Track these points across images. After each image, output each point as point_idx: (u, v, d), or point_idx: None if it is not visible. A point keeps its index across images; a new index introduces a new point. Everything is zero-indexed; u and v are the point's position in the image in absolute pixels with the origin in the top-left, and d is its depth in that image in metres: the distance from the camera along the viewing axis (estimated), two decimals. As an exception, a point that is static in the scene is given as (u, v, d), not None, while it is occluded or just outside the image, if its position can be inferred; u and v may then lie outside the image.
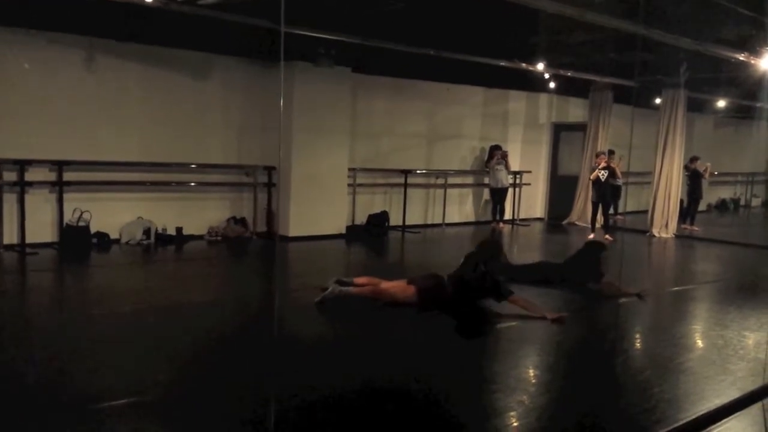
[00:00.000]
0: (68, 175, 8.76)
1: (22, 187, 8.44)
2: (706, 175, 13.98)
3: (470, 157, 13.44)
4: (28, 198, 8.50)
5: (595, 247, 8.09)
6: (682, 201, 13.27)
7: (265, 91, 10.16)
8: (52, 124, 8.65)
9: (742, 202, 20.20)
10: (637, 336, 6.13)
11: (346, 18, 8.35)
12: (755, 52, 9.02)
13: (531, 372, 4.88)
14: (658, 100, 12.86)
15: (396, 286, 6.14)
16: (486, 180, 13.24)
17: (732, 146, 18.38)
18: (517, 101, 14.09)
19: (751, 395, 4.33)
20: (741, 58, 9.18)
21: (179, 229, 9.73)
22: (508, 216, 13.45)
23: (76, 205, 8.82)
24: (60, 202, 8.75)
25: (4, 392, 3.94)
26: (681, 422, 3.85)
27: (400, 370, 4.59)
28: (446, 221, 12.78)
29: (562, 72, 11.76)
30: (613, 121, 13.68)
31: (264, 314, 6.00)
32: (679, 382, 4.60)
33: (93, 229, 8.98)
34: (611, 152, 12.94)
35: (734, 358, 5.16)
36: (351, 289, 6.18)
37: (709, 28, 8.34)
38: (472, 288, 6.08)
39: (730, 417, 4.03)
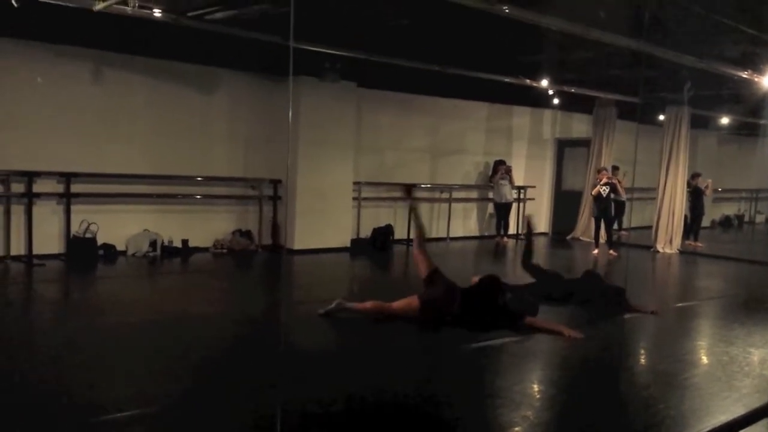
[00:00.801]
0: (75, 187, 8.82)
1: (29, 198, 8.50)
2: (708, 192, 13.99)
3: (474, 171, 13.48)
4: (35, 209, 8.56)
5: (592, 277, 8.04)
6: (686, 217, 13.27)
7: (270, 105, 10.24)
8: (60, 137, 8.72)
9: (746, 219, 20.19)
10: (642, 352, 6.13)
11: (352, 34, 8.43)
12: (758, 69, 9.07)
13: (535, 387, 4.88)
14: (661, 117, 12.91)
15: (402, 303, 6.12)
16: (490, 194, 13.27)
17: (736, 163, 18.39)
18: (521, 117, 14.14)
19: (756, 412, 4.32)
20: (744, 76, 9.23)
21: (185, 242, 9.77)
22: (512, 230, 13.46)
23: (83, 216, 8.87)
24: (67, 213, 8.80)
25: (9, 403, 3.96)
26: (686, 438, 3.86)
27: (404, 384, 4.60)
28: (451, 235, 12.80)
29: (566, 88, 11.82)
30: (617, 137, 13.71)
31: (269, 326, 6.02)
32: (684, 399, 4.59)
33: (100, 241, 9.03)
34: (615, 168, 12.98)
35: (739, 374, 5.15)
36: (355, 305, 6.21)
37: (713, 46, 8.38)
38: (481, 313, 6.05)
39: (735, 433, 4.04)
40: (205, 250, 10.04)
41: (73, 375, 4.51)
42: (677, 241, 12.70)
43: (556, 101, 13.19)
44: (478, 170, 13.49)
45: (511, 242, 13.13)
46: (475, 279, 6.55)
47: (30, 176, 8.47)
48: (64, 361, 4.84)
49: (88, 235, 8.87)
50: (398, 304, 6.11)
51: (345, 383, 4.53)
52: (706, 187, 13.85)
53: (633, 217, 14.14)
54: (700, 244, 13.57)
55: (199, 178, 9.95)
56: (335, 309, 6.11)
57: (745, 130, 17.06)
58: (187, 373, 4.66)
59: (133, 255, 9.28)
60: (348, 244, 10.92)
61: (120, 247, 9.28)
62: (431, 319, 5.98)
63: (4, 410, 3.85)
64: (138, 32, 8.03)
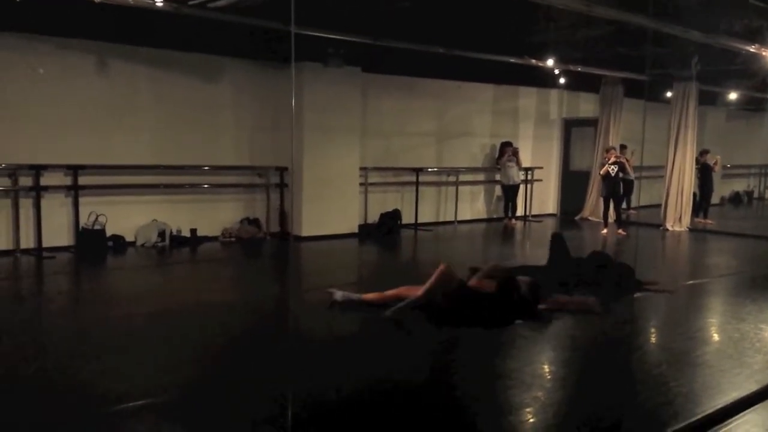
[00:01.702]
0: (83, 179, 8.84)
1: (37, 191, 8.53)
2: (717, 168, 13.90)
3: (481, 154, 13.43)
4: (43, 202, 8.59)
5: (600, 257, 7.97)
6: (695, 194, 13.20)
7: (275, 92, 10.20)
8: (67, 129, 8.73)
9: (756, 195, 20.07)
10: (653, 330, 6.12)
11: (355, 18, 8.38)
12: (766, 43, 8.97)
13: (546, 368, 4.88)
14: (669, 94, 12.81)
15: (408, 289, 5.98)
16: (497, 177, 13.23)
17: (745, 139, 18.24)
18: (527, 98, 14.06)
19: (768, 388, 4.32)
20: (752, 50, 9.13)
21: (193, 231, 9.79)
22: (520, 212, 13.43)
23: (91, 208, 8.90)
24: (75, 206, 8.83)
25: (21, 394, 4.01)
26: (699, 416, 3.85)
27: (415, 368, 4.61)
28: (458, 218, 12.78)
29: (572, 67, 11.73)
30: (624, 115, 13.63)
31: (279, 314, 6.05)
32: (696, 376, 4.59)
33: (108, 232, 9.06)
34: (623, 147, 12.90)
35: (751, 351, 5.14)
36: (361, 296, 6.10)
37: (720, 20, 8.29)
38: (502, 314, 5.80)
39: (748, 410, 4.02)
40: (214, 239, 10.06)
41: (85, 365, 4.53)
42: (687, 219, 12.64)
43: (562, 81, 13.10)
44: (485, 152, 13.43)
45: (519, 224, 13.10)
46: (483, 283, 6.02)
47: (37, 169, 8.49)
48: (75, 352, 4.87)
49: (96, 227, 8.91)
50: (403, 289, 6.01)
51: (355, 369, 4.55)
52: (715, 163, 13.76)
53: (642, 196, 14.08)
54: (709, 222, 13.50)
55: (206, 168, 9.95)
56: (339, 299, 6.05)
57: (754, 105, 16.91)
58: (198, 362, 4.69)
59: (143, 245, 9.31)
60: (356, 230, 10.92)
61: (129, 238, 9.31)
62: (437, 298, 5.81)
63: (17, 401, 3.88)
64: (141, 22, 8.02)
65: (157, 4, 7.19)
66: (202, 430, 3.62)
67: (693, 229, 12.64)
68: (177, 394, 4.04)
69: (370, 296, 6.08)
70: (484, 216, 13.57)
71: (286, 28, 7.37)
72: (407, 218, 11.86)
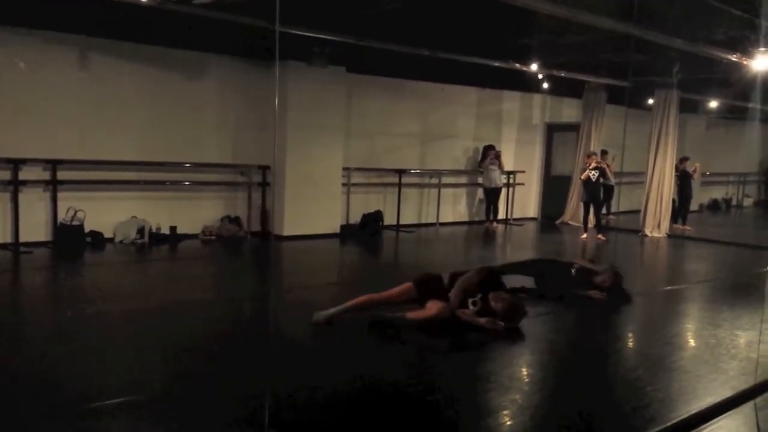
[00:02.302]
0: (62, 174, 8.75)
1: (15, 186, 8.43)
2: (696, 176, 14.05)
3: (464, 157, 13.47)
4: (21, 197, 8.49)
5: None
6: (674, 201, 13.34)
7: (259, 90, 10.16)
8: (46, 123, 8.64)
9: (734, 202, 20.32)
10: (630, 335, 6.17)
11: (341, 18, 8.36)
12: (747, 52, 9.08)
13: (524, 371, 4.90)
14: (650, 101, 12.93)
15: (395, 290, 5.79)
16: (480, 180, 13.27)
17: (724, 147, 18.45)
18: (510, 101, 14.13)
19: (743, 394, 4.36)
20: (733, 59, 9.24)
21: (173, 228, 9.72)
22: (501, 216, 13.49)
23: (70, 204, 8.81)
24: (54, 201, 8.74)
25: (-2, 391, 3.95)
26: (674, 421, 3.88)
27: (394, 369, 4.60)
28: (440, 221, 12.81)
29: (555, 72, 11.80)
30: (606, 121, 13.74)
31: (258, 313, 6.01)
32: (672, 381, 4.63)
33: (87, 228, 8.97)
34: (604, 152, 12.99)
35: (726, 357, 5.20)
36: (347, 304, 5.63)
37: (702, 29, 8.38)
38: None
39: (722, 415, 4.06)
40: (194, 236, 10.00)
41: (61, 363, 4.49)
42: (665, 225, 12.76)
43: (545, 86, 13.17)
44: (468, 155, 13.47)
45: (500, 227, 13.16)
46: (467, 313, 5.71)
47: (16, 163, 8.40)
48: (51, 349, 4.81)
49: (75, 223, 8.82)
50: (391, 292, 5.85)
51: (335, 370, 4.53)
52: (694, 170, 13.91)
53: (621, 201, 14.20)
54: (688, 228, 13.64)
55: (187, 165, 9.89)
56: (325, 318, 5.56)
57: (733, 114, 17.12)
58: (176, 361, 4.65)
59: (121, 242, 9.23)
60: (337, 230, 10.90)
61: (108, 235, 9.23)
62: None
63: (-9, 399, 3.83)
64: (124, 17, 7.95)
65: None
66: (177, 428, 3.59)
67: (671, 235, 12.76)
68: (153, 392, 4.00)
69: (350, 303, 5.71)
70: (465, 219, 13.61)
71: (271, 27, 7.34)
72: (389, 219, 11.86)
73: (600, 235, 11.88)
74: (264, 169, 10.47)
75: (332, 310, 5.53)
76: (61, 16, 7.94)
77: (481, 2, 6.67)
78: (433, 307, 5.53)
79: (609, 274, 6.96)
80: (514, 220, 13.95)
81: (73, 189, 8.86)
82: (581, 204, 12.64)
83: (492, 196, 13.03)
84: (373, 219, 11.56)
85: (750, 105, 15.05)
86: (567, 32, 8.64)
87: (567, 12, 7.10)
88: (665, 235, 12.66)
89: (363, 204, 11.71)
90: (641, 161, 12.94)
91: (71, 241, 8.73)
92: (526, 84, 13.00)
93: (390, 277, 7.16)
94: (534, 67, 11.20)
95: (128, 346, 4.94)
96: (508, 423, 3.83)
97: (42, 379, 4.15)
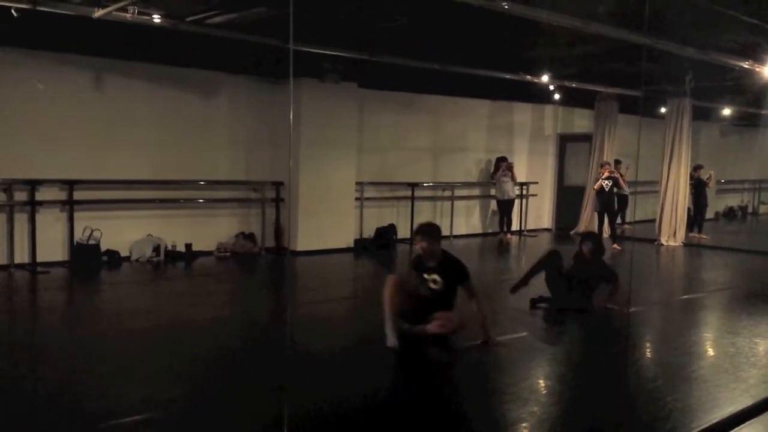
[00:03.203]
0: (78, 194, 8.83)
1: (32, 206, 8.51)
2: (711, 184, 13.97)
3: (476, 169, 13.48)
4: (38, 217, 8.57)
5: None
6: (689, 209, 13.26)
7: (272, 107, 10.25)
8: (62, 144, 8.73)
9: (750, 210, 20.16)
10: (648, 345, 6.13)
11: (352, 34, 8.43)
12: (759, 59, 9.05)
13: (542, 383, 4.88)
14: (663, 110, 12.89)
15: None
16: (492, 192, 13.27)
17: (738, 154, 18.36)
18: (522, 113, 14.13)
19: (764, 402, 4.32)
20: (746, 66, 9.21)
21: (188, 246, 9.77)
22: (515, 227, 13.46)
23: (86, 223, 8.88)
24: (70, 220, 8.81)
25: (15, 410, 3.98)
26: (695, 430, 3.85)
27: (411, 383, 4.60)
28: (454, 233, 12.79)
29: (566, 83, 11.81)
30: (618, 131, 13.70)
31: (275, 329, 6.03)
32: (692, 391, 4.59)
33: (103, 247, 9.03)
34: (618, 162, 12.96)
35: (746, 365, 5.15)
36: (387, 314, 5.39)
37: (714, 37, 8.37)
38: None
39: (743, 425, 4.03)
40: (209, 253, 10.05)
41: (81, 381, 4.52)
42: (681, 234, 12.68)
43: (557, 97, 13.18)
44: (480, 167, 13.48)
45: (514, 239, 13.12)
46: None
47: (33, 184, 8.48)
48: (71, 368, 4.85)
49: (91, 242, 8.88)
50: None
51: (351, 384, 4.54)
52: (708, 178, 13.83)
53: (636, 211, 14.13)
54: (704, 236, 13.55)
55: (201, 182, 9.96)
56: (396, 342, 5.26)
57: (747, 121, 17.03)
58: (194, 377, 4.67)
59: (137, 260, 9.29)
60: (351, 245, 10.92)
61: (124, 253, 9.28)
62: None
63: (13, 417, 3.86)
64: (138, 38, 8.06)
65: (154, 20, 7.23)
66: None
67: (687, 244, 12.68)
68: (172, 408, 4.02)
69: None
70: (479, 231, 13.59)
71: (284, 45, 7.43)
72: (403, 233, 11.87)
73: (615, 245, 11.82)
74: (277, 185, 10.53)
75: (389, 332, 5.24)
76: (76, 38, 8.05)
77: (491, 15, 6.69)
78: (448, 322, 5.48)
79: (589, 245, 6.96)
80: (528, 231, 13.91)
81: (89, 209, 8.94)
82: (595, 214, 12.60)
83: (505, 207, 13.00)
84: (387, 233, 11.54)
85: (763, 111, 14.98)
86: (578, 43, 8.65)
87: (579, 23, 7.12)
88: (681, 244, 12.58)
89: (376, 218, 11.73)
90: (655, 170, 12.88)
91: (88, 260, 8.80)
92: (538, 95, 13.02)
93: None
94: (545, 78, 11.21)
95: (147, 363, 4.97)
96: (527, 435, 3.82)
97: (61, 397, 4.19)
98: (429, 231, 5.65)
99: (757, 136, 17.75)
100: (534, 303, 6.81)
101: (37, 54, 8.45)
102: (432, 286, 5.51)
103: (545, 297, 6.88)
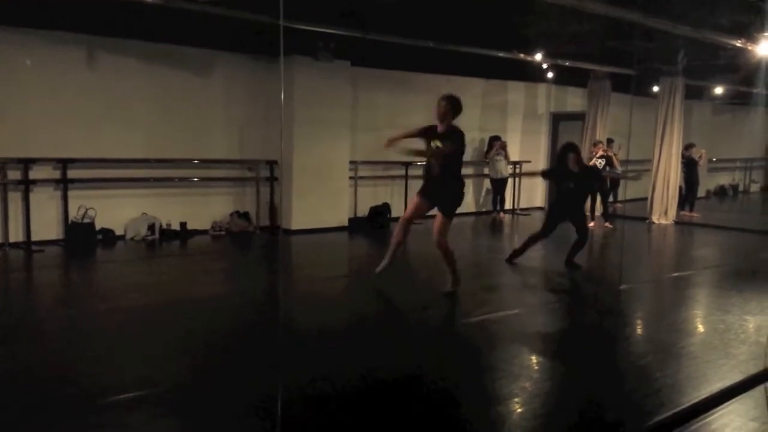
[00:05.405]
0: (72, 173, 8.83)
1: (26, 185, 8.51)
2: (702, 162, 14.03)
3: (470, 148, 13.45)
4: (32, 196, 8.57)
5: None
6: (681, 188, 13.33)
7: (266, 85, 10.22)
8: (56, 123, 8.71)
9: (741, 188, 20.28)
10: (639, 321, 6.21)
11: (345, 11, 8.38)
12: (753, 38, 9.06)
13: (533, 359, 4.94)
14: (656, 88, 12.91)
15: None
16: (486, 170, 13.30)
17: (730, 132, 18.42)
18: (515, 92, 14.13)
19: (753, 378, 4.40)
20: (739, 45, 9.22)
21: (183, 225, 9.78)
22: (508, 206, 13.51)
23: (80, 202, 8.89)
24: (65, 199, 8.81)
25: (15, 388, 4.02)
26: (684, 405, 3.93)
27: (403, 360, 4.66)
28: (447, 212, 12.80)
29: (560, 62, 11.79)
30: (611, 109, 13.72)
31: (270, 307, 6.08)
32: (681, 367, 4.67)
33: (98, 226, 9.05)
34: (610, 141, 13.00)
35: (736, 342, 5.24)
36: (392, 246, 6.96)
37: (707, 15, 8.36)
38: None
39: (732, 400, 4.10)
40: (204, 232, 10.07)
41: (77, 359, 4.56)
42: (672, 212, 12.77)
43: (550, 75, 13.15)
44: (474, 146, 13.48)
45: (507, 217, 13.18)
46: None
47: (26, 163, 8.47)
48: (67, 346, 4.90)
49: (86, 221, 8.90)
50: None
51: (344, 361, 4.60)
52: (700, 157, 13.89)
53: (628, 189, 14.19)
54: (695, 215, 13.64)
55: (195, 161, 9.95)
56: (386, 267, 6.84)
57: (739, 100, 17.05)
58: (190, 355, 4.71)
59: (132, 239, 9.31)
60: (345, 223, 10.96)
61: (119, 232, 9.31)
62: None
63: (10, 395, 3.90)
64: (131, 15, 7.99)
65: (146, -3, 7.17)
66: (193, 420, 3.66)
67: (679, 222, 12.78)
68: (168, 385, 4.07)
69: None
70: (473, 209, 13.64)
71: (276, 22, 7.37)
72: (397, 212, 11.89)
73: (607, 223, 11.90)
74: (272, 164, 10.53)
75: (385, 261, 6.87)
76: (68, 15, 7.99)
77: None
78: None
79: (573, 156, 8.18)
80: (521, 210, 13.97)
81: (84, 187, 8.94)
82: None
83: (498, 186, 13.05)
84: (381, 211, 11.58)
85: (756, 90, 14.99)
86: (571, 21, 8.63)
87: (573, 1, 7.10)
88: (672, 222, 12.68)
89: (371, 197, 11.76)
90: (647, 149, 12.93)
91: (82, 238, 8.81)
92: (531, 74, 12.98)
93: (399, 267, 7.23)
94: (538, 56, 11.19)
95: (143, 341, 5.01)
96: (519, 410, 3.89)
97: (59, 375, 4.23)
98: (453, 99, 6.88)
99: (748, 115, 17.78)
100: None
101: (30, 32, 8.39)
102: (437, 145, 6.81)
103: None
